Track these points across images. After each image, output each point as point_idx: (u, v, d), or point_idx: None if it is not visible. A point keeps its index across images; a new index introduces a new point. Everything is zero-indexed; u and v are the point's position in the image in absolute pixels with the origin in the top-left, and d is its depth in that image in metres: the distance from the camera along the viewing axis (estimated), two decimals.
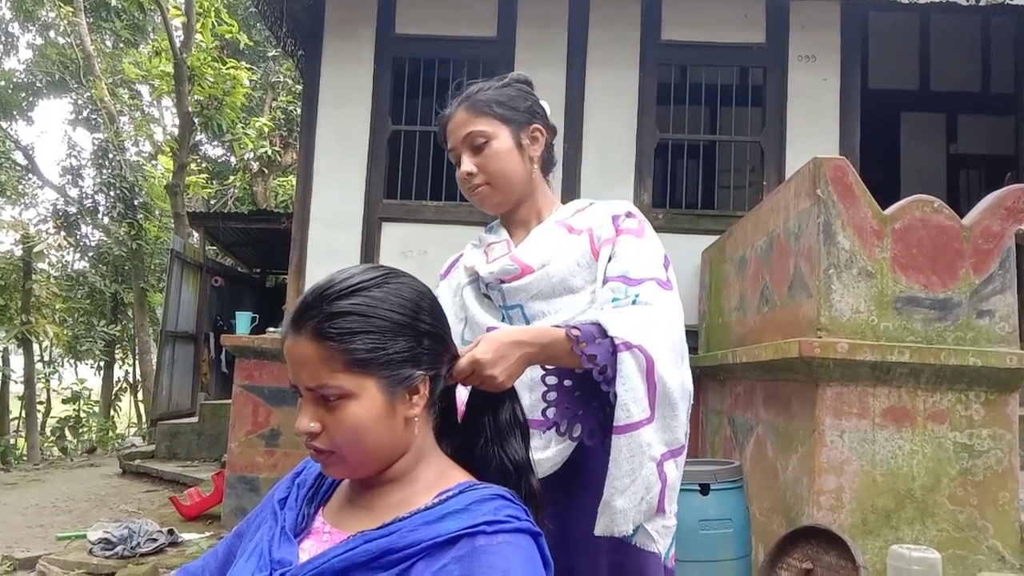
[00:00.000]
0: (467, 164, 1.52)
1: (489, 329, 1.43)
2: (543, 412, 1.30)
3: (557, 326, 1.30)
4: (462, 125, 1.52)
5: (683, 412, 1.34)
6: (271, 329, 5.83)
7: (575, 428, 1.31)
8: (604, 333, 1.27)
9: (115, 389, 14.08)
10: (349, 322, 0.95)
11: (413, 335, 0.99)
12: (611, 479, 1.27)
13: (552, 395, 1.30)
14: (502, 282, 1.51)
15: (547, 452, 1.41)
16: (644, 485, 1.28)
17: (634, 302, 1.38)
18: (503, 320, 1.51)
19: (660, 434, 1.30)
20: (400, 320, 0.99)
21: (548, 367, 1.29)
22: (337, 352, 0.95)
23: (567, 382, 1.30)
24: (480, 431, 1.11)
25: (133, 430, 13.77)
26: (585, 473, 1.40)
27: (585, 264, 1.49)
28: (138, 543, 4.52)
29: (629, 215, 1.53)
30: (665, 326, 1.35)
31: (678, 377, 1.33)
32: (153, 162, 14.86)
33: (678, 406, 1.32)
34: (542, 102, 1.62)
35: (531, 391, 1.38)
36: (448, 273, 1.70)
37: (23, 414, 12.52)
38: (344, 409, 0.95)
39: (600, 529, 1.29)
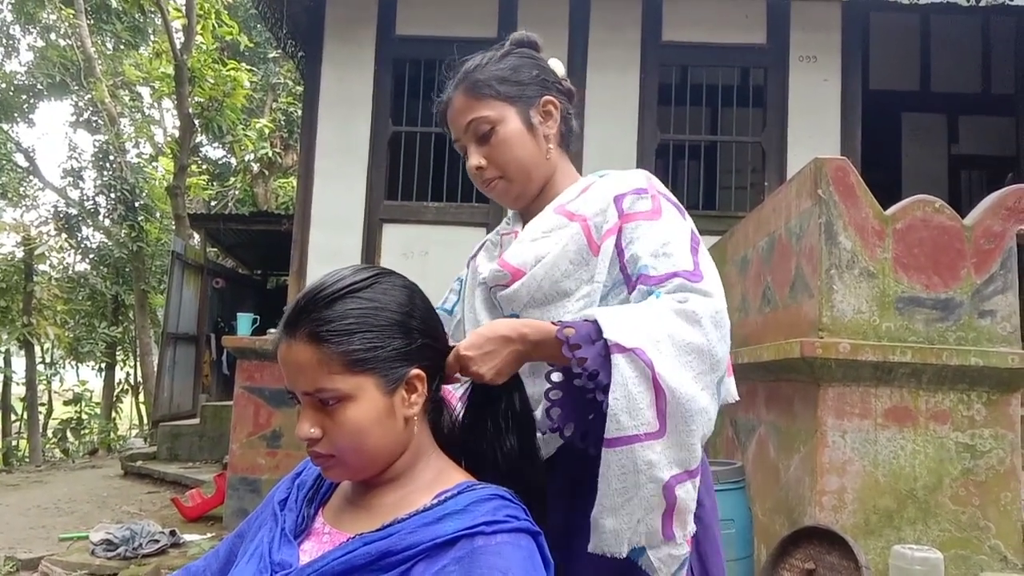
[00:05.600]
0: (475, 157, 1.30)
1: None
2: (546, 412, 1.13)
3: (554, 322, 1.12)
4: (462, 112, 1.30)
5: (698, 428, 1.09)
6: (272, 330, 5.83)
7: (582, 433, 1.12)
8: (601, 333, 1.06)
9: (116, 391, 14.05)
10: (345, 324, 0.95)
11: (407, 332, 0.99)
12: (600, 496, 1.08)
13: (556, 394, 1.12)
14: (501, 287, 1.28)
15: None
16: (643, 507, 1.07)
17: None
18: None
19: (673, 452, 1.06)
20: (394, 318, 0.99)
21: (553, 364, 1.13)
22: (335, 354, 0.94)
23: (577, 381, 1.11)
24: (480, 425, 1.10)
25: (135, 432, 13.75)
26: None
27: (580, 262, 1.23)
28: (140, 544, 4.52)
29: (639, 193, 1.25)
30: (679, 326, 1.09)
31: (694, 387, 1.08)
32: (154, 164, 14.86)
33: (694, 419, 1.07)
34: (552, 62, 1.39)
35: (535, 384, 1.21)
36: (472, 258, 1.47)
37: (25, 416, 12.52)
38: (344, 412, 0.95)
39: (592, 546, 1.12)
